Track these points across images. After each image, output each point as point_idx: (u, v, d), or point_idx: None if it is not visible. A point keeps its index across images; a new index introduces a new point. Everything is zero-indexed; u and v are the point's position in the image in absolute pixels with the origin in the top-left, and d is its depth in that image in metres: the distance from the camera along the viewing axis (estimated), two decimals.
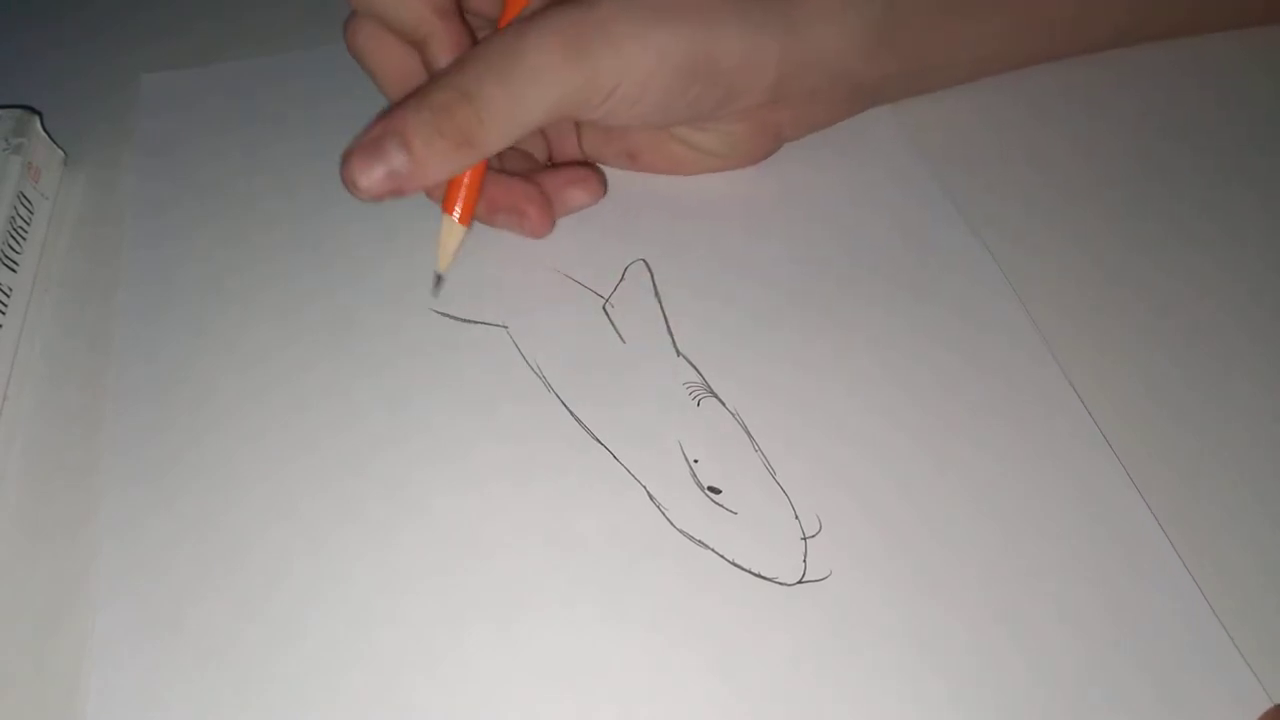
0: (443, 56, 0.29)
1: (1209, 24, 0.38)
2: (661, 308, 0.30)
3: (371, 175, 0.27)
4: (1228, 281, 0.31)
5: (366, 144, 0.27)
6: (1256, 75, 0.37)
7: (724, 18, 0.29)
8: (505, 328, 0.30)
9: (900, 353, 0.29)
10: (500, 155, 0.32)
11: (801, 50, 0.30)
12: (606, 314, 0.30)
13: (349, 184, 0.27)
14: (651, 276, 0.31)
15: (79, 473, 0.27)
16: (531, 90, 0.27)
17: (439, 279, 0.30)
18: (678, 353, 0.29)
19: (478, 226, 0.31)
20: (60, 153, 0.35)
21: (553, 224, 0.32)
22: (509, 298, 0.31)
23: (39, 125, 0.34)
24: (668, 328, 0.30)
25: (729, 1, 0.29)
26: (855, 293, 0.31)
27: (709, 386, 0.28)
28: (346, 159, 0.27)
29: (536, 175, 0.32)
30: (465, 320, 0.30)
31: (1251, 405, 0.28)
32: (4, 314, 0.30)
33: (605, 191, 0.33)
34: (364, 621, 0.24)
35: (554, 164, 0.34)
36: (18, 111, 0.34)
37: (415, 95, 0.27)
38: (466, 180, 0.29)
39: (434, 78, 0.28)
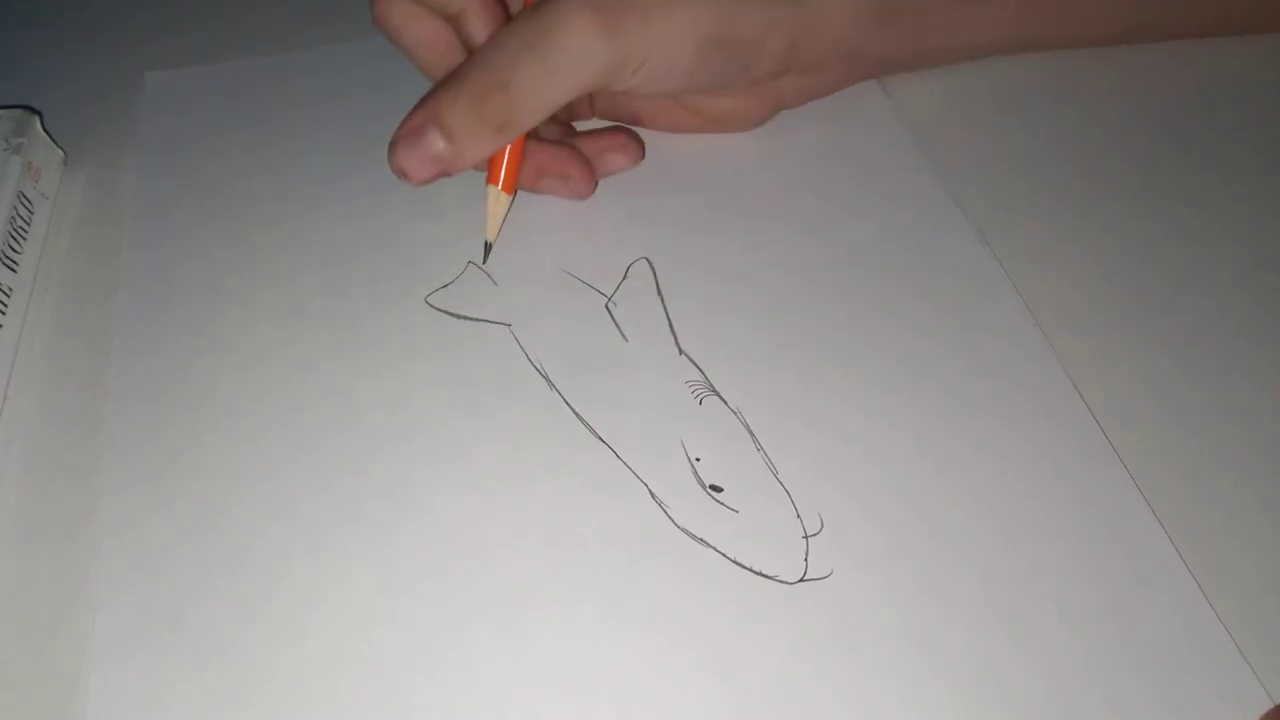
0: (479, 32, 0.30)
1: (1215, 28, 0.37)
2: (664, 306, 0.30)
3: (417, 162, 0.28)
4: (1228, 281, 0.31)
5: (409, 133, 0.28)
6: (1258, 75, 0.37)
7: None
8: (508, 326, 0.30)
9: (902, 352, 0.29)
10: None
11: (811, 21, 0.31)
12: (609, 312, 0.30)
13: (397, 172, 0.29)
14: (654, 275, 0.31)
15: (79, 473, 0.27)
16: (566, 69, 0.28)
17: (488, 247, 0.31)
18: (680, 351, 0.29)
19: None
20: (60, 153, 0.35)
21: (595, 187, 0.33)
22: (512, 296, 0.31)
23: (39, 125, 0.34)
24: (670, 326, 0.30)
25: None
26: (857, 293, 0.31)
27: (711, 385, 0.28)
28: (392, 148, 0.29)
29: (575, 140, 0.33)
30: (468, 318, 0.30)
31: (1251, 405, 0.28)
32: (4, 314, 0.30)
33: (643, 155, 0.34)
34: (364, 621, 0.24)
35: (589, 130, 0.35)
36: (18, 111, 0.34)
37: (452, 80, 0.28)
38: (508, 153, 0.30)
39: (468, 60, 0.29)
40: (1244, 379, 0.28)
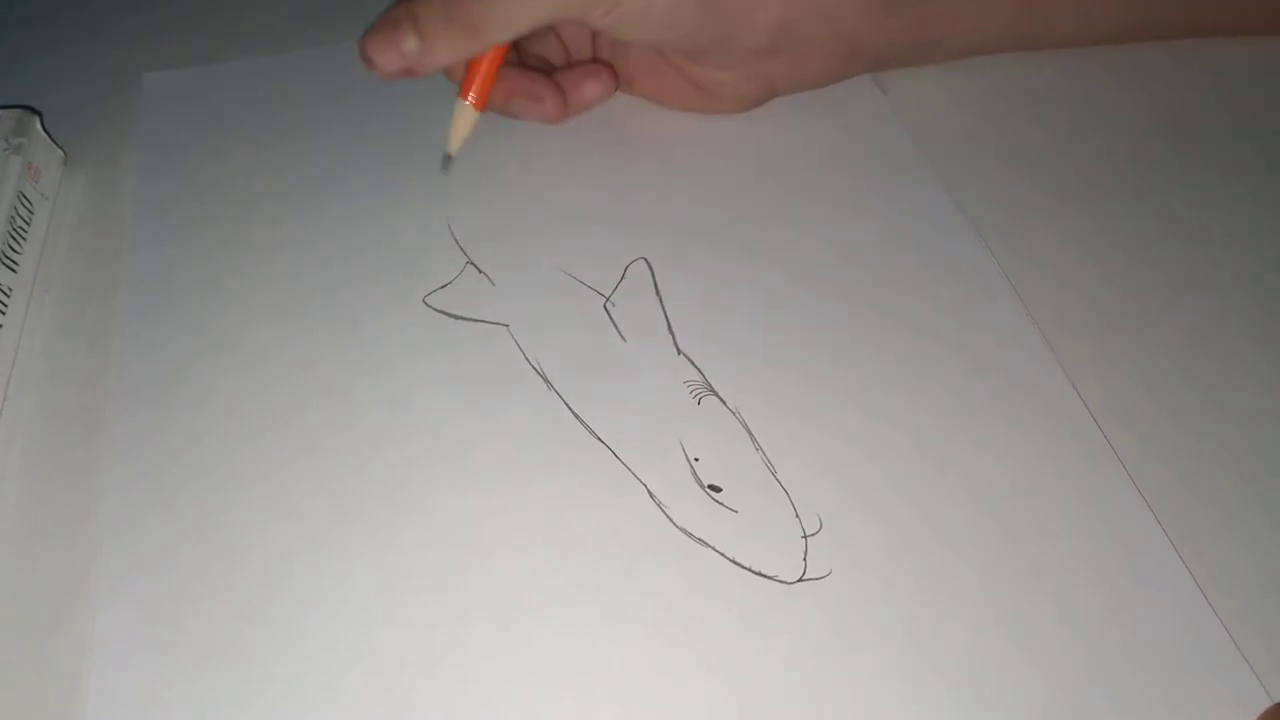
0: None
1: (1214, 28, 0.37)
2: (662, 306, 0.30)
3: (385, 55, 0.29)
4: (1228, 281, 0.31)
5: (383, 25, 0.29)
6: (1258, 75, 0.37)
7: None
8: (506, 326, 0.30)
9: (901, 352, 0.29)
10: (520, 57, 0.34)
11: (803, 1, 0.31)
12: (607, 312, 0.30)
13: (365, 61, 0.29)
14: (652, 275, 0.31)
15: (79, 473, 0.27)
16: None
17: (447, 159, 0.32)
18: (678, 351, 0.29)
19: (480, 232, 0.31)
20: (60, 153, 0.35)
21: (566, 115, 0.34)
22: (510, 296, 0.31)
23: (39, 125, 0.34)
24: (668, 326, 0.30)
25: None
26: (856, 292, 0.31)
27: (709, 385, 0.28)
28: (364, 38, 0.29)
29: (553, 71, 0.34)
30: (466, 319, 0.30)
31: (1251, 405, 0.28)
32: (4, 314, 0.30)
33: (617, 86, 0.35)
34: (364, 621, 0.24)
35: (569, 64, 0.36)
36: (18, 111, 0.34)
37: None
38: (483, 68, 0.31)
39: None
40: (1244, 379, 0.28)
